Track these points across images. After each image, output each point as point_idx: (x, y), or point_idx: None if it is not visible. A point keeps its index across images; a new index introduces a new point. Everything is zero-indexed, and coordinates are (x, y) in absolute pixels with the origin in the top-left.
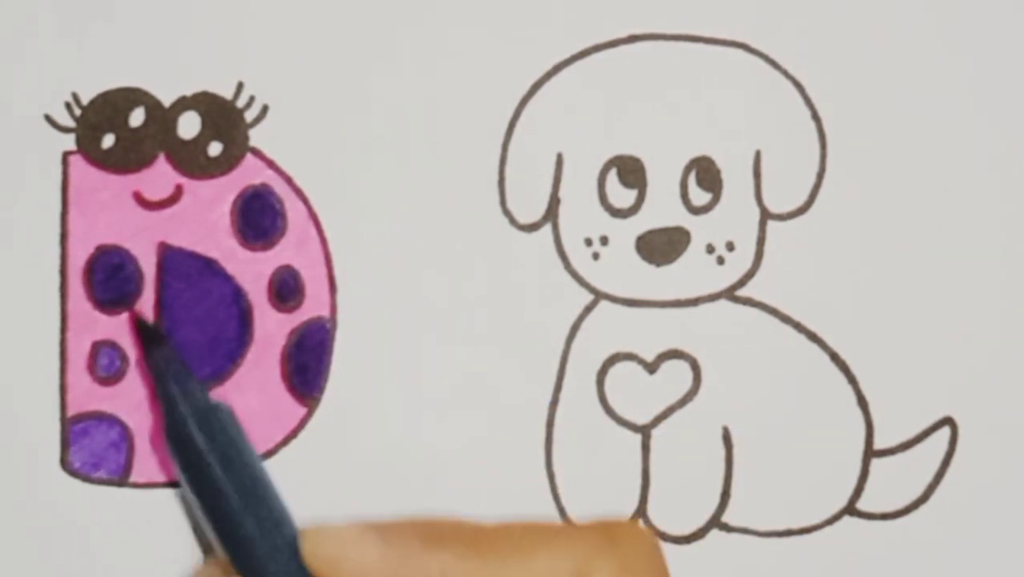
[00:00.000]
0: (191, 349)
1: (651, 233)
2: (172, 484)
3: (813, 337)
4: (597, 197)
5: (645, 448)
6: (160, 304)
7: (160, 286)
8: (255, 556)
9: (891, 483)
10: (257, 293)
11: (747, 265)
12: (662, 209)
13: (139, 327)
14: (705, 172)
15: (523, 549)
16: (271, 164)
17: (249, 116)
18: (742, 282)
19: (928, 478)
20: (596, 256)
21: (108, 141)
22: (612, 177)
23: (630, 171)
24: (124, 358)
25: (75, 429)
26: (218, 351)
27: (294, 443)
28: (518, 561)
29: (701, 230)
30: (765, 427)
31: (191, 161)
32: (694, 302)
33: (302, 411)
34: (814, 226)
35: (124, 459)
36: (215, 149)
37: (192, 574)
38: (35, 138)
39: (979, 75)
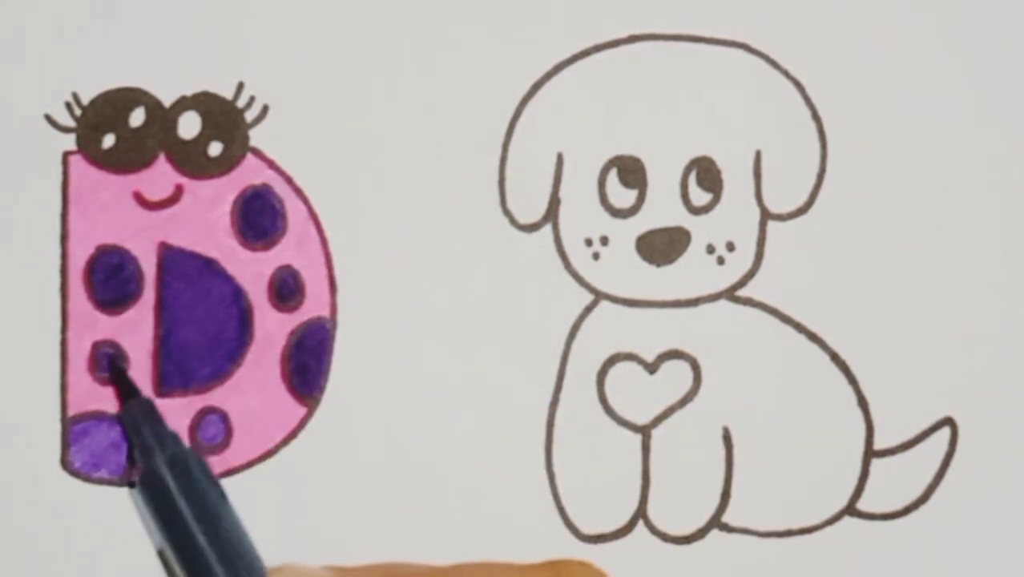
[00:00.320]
0: (191, 349)
1: (651, 233)
2: None
3: (813, 337)
4: (597, 197)
5: (645, 448)
6: (160, 304)
7: (160, 286)
8: None
9: (891, 483)
10: (257, 293)
11: (747, 265)
12: (662, 209)
13: (117, 377)
14: (705, 172)
15: None
16: (271, 164)
17: (249, 116)
18: (742, 282)
19: (928, 478)
20: (596, 256)
21: (108, 141)
22: (612, 177)
23: (630, 171)
24: (124, 358)
25: (75, 429)
26: (218, 351)
27: (294, 443)
28: None
29: (701, 230)
30: (765, 427)
31: (191, 161)
32: (694, 302)
33: (302, 411)
34: (814, 226)
35: (124, 459)
36: (215, 149)
37: None
38: (35, 138)
39: (979, 75)
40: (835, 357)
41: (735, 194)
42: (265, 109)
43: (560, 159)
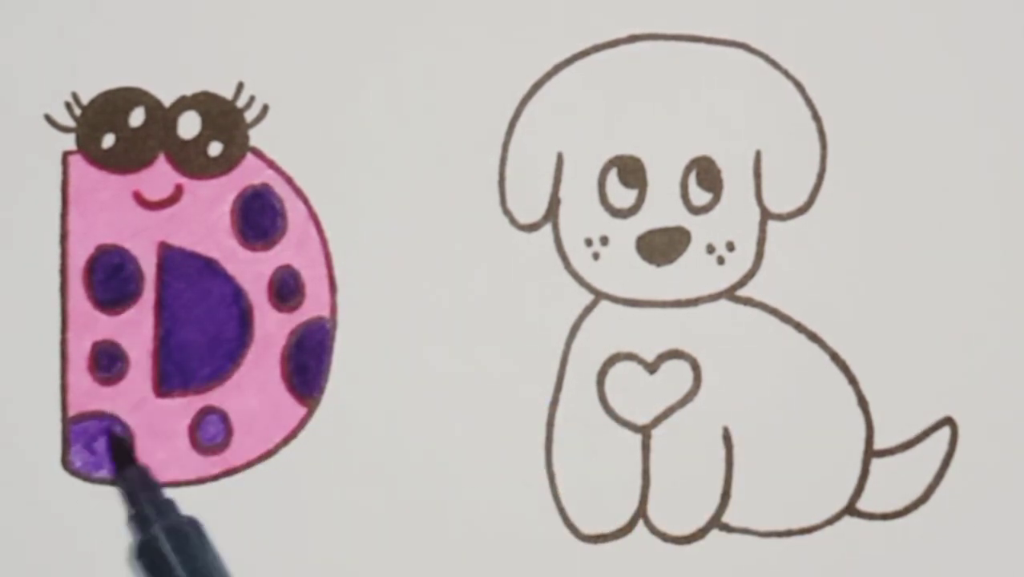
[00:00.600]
0: (191, 349)
1: (651, 233)
2: (172, 484)
3: (813, 337)
4: (597, 197)
5: (645, 448)
6: (160, 304)
7: (160, 286)
8: None
9: (891, 483)
10: (257, 293)
11: (747, 265)
12: (662, 209)
13: (114, 445)
14: (705, 172)
15: None
16: (271, 164)
17: (249, 116)
18: (742, 282)
19: (928, 478)
20: (596, 256)
21: (108, 141)
22: (612, 177)
23: (630, 171)
24: (124, 358)
25: (75, 429)
26: (218, 351)
27: (294, 443)
28: None
29: (701, 230)
30: (765, 427)
31: (191, 161)
32: (694, 302)
33: (302, 411)
34: (814, 226)
35: None
36: (215, 149)
37: None
38: (35, 138)
39: (979, 75)
40: (835, 357)
41: (735, 194)
42: (265, 109)
43: (560, 159)
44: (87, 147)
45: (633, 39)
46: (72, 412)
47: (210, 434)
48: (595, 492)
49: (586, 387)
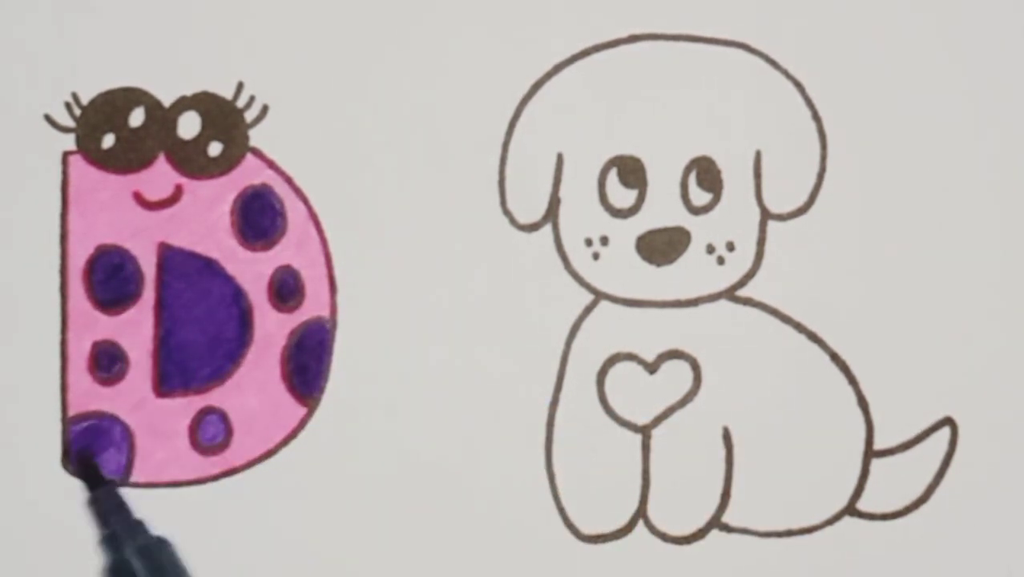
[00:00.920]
0: (191, 349)
1: (651, 233)
2: (172, 484)
3: (813, 337)
4: (597, 197)
5: (645, 448)
6: (160, 304)
7: (160, 286)
8: None
9: (891, 483)
10: (257, 293)
11: (747, 265)
12: (662, 209)
13: (83, 464)
14: (705, 172)
15: None
16: (271, 164)
17: (249, 116)
18: (742, 282)
19: (928, 478)
20: (596, 256)
21: (108, 141)
22: (612, 177)
23: (630, 171)
24: (124, 358)
25: (75, 429)
26: (218, 351)
27: (294, 443)
28: None
29: (701, 230)
30: (765, 427)
31: (191, 161)
32: (694, 302)
33: (302, 411)
34: (814, 226)
35: (124, 459)
36: (215, 149)
37: None
38: (35, 138)
39: (979, 75)
40: (835, 357)
41: (735, 194)
42: (265, 109)
43: (560, 159)
44: (87, 147)
45: (633, 39)
46: (72, 412)
47: (210, 434)
48: (595, 492)
49: (586, 387)
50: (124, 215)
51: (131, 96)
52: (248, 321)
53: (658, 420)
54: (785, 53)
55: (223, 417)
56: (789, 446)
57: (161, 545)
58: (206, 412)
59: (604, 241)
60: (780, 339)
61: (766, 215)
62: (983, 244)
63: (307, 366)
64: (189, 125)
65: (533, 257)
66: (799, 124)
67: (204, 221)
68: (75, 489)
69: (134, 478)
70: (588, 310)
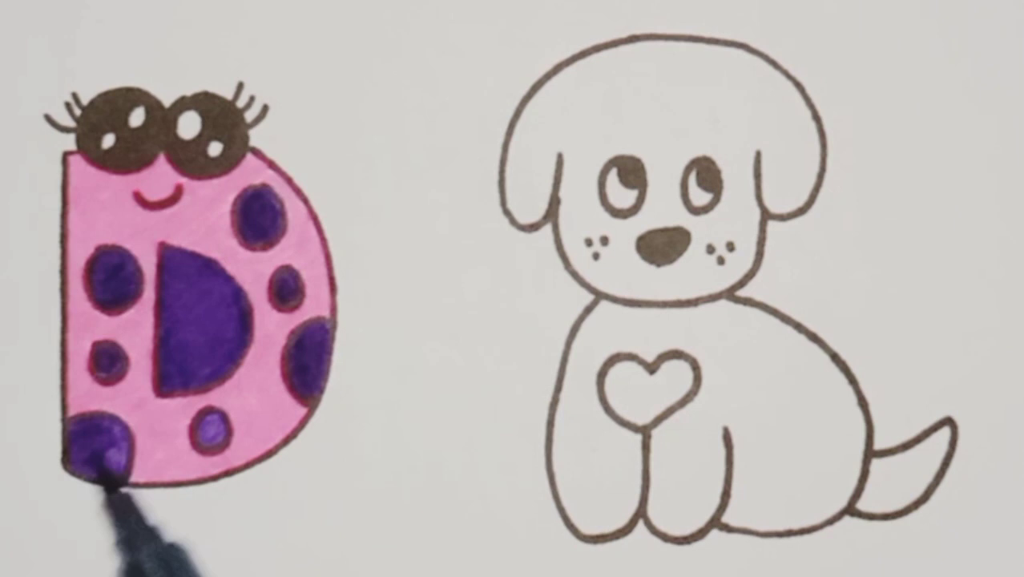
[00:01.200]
0: (191, 349)
1: (651, 233)
2: (172, 484)
3: (813, 337)
4: (597, 197)
5: (645, 448)
6: (160, 304)
7: (160, 286)
8: None
9: (891, 483)
10: (257, 293)
11: (747, 265)
12: (662, 209)
13: (100, 469)
14: (705, 172)
15: None
16: (271, 164)
17: (249, 116)
18: (742, 282)
19: (928, 478)
20: (596, 256)
21: (108, 141)
22: (612, 177)
23: (630, 171)
24: (124, 358)
25: (75, 429)
26: (218, 351)
27: (294, 443)
28: None
29: (701, 230)
30: (765, 427)
31: (191, 161)
32: (694, 302)
33: (302, 411)
34: (814, 226)
35: (124, 459)
36: (215, 149)
37: None
38: (35, 138)
39: (979, 75)
40: (835, 357)
41: (735, 194)
42: (265, 109)
43: (560, 159)
44: (87, 147)
45: (633, 39)
46: (72, 412)
47: (210, 434)
48: (595, 492)
49: (586, 387)
50: (124, 215)
51: (131, 96)
52: (248, 321)
53: (658, 420)
54: (785, 53)
55: (223, 417)
56: (789, 446)
57: (177, 550)
58: (206, 412)
59: (604, 241)
60: (780, 339)
61: (766, 215)
62: (983, 244)
63: (307, 366)
64: (189, 125)
65: (533, 257)
66: (799, 124)
67: (204, 221)
68: (75, 489)
69: (134, 478)
70: (588, 310)
